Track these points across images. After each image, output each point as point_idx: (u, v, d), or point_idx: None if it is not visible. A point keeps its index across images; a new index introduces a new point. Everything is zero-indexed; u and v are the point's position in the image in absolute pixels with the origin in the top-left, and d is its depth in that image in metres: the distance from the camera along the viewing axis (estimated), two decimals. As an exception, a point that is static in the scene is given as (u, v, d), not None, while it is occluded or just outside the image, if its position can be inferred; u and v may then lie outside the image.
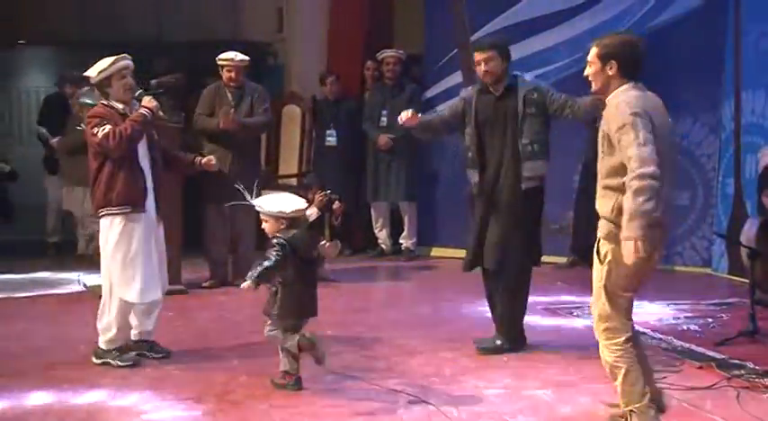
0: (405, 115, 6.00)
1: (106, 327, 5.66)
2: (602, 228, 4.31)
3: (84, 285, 7.99)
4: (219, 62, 8.07)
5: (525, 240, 5.87)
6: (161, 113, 5.93)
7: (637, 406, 4.30)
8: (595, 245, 4.35)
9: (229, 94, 8.06)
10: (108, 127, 5.48)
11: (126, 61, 5.63)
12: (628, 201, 4.08)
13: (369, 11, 10.43)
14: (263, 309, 5.18)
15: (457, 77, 9.38)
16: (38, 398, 4.99)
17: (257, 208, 5.20)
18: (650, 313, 6.92)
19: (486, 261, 5.91)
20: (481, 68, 5.86)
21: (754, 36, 8.15)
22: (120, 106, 5.62)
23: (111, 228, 5.60)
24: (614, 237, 4.20)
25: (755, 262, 6.40)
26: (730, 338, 6.01)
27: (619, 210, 4.16)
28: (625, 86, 4.30)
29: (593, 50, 4.36)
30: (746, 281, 6.46)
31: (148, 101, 5.65)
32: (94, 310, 7.21)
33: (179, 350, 5.89)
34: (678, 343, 6.06)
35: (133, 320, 5.73)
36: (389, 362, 5.67)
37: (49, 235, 10.03)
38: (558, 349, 5.94)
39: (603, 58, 4.32)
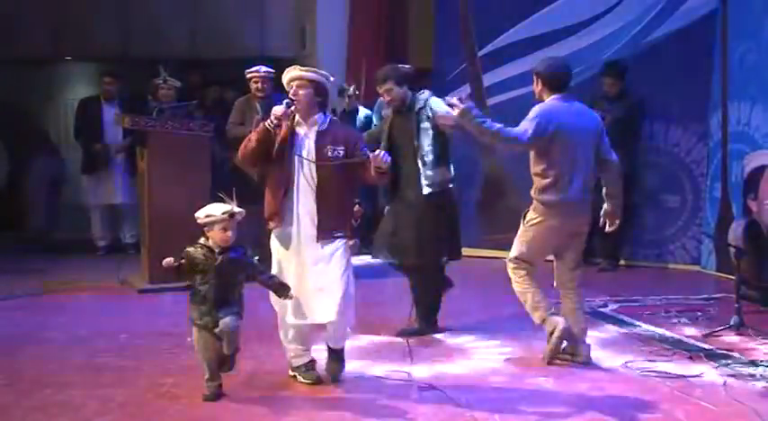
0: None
1: (286, 350, 5.11)
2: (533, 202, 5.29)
3: (120, 280, 7.95)
4: (247, 75, 8.06)
5: (428, 239, 6.01)
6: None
7: (546, 318, 5.28)
8: (523, 213, 5.36)
9: (258, 105, 8.03)
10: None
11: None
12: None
13: (384, 30, 10.43)
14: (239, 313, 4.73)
15: (465, 90, 9.33)
16: (83, 385, 4.98)
17: (240, 213, 4.70)
18: (644, 307, 6.91)
19: (394, 257, 6.18)
20: (385, 98, 6.11)
21: (738, 53, 8.11)
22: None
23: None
24: (535, 209, 5.25)
25: (741, 260, 6.39)
26: (718, 330, 5.98)
27: (536, 191, 5.24)
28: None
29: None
30: (733, 277, 6.41)
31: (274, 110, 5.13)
32: (131, 303, 7.24)
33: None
34: (669, 334, 6.03)
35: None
36: (403, 352, 5.65)
37: (96, 237, 9.68)
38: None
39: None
